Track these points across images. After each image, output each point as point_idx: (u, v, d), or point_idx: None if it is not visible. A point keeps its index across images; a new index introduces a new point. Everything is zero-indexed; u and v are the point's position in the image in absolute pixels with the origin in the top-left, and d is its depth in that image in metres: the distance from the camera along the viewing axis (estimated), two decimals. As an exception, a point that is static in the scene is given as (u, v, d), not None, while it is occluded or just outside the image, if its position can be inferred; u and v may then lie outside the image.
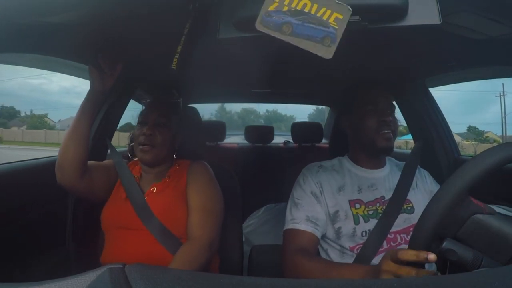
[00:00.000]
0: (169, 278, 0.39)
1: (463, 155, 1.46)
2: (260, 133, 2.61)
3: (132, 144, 1.11)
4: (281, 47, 0.54)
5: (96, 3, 0.65)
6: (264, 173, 2.33)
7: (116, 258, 0.94)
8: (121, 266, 0.40)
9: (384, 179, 0.98)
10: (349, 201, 0.93)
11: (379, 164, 1.00)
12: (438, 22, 0.55)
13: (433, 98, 1.47)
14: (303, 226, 0.91)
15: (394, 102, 1.02)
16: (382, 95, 0.97)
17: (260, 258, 1.09)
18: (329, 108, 2.96)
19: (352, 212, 0.91)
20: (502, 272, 0.42)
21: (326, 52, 0.53)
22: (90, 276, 0.38)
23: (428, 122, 1.44)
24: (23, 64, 1.12)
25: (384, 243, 0.89)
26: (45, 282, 0.38)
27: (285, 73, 1.47)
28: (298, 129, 2.52)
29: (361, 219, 0.91)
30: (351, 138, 1.03)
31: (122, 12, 0.69)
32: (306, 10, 0.53)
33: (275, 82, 1.70)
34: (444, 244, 0.55)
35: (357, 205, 0.93)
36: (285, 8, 0.53)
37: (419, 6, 0.56)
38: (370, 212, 0.92)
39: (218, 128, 2.48)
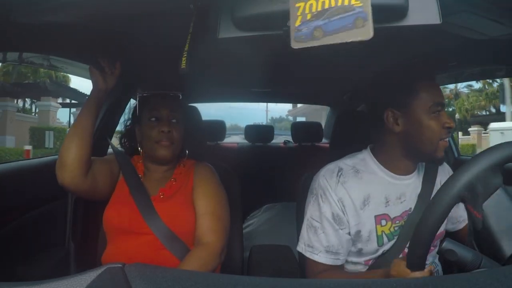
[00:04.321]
0: (169, 278, 0.39)
1: (462, 156, 1.46)
2: (260, 132, 2.60)
3: (126, 142, 1.10)
4: (281, 47, 0.53)
5: (96, 3, 0.65)
6: (264, 172, 2.32)
7: (118, 260, 0.92)
8: (120, 265, 0.40)
9: (412, 186, 0.87)
10: (375, 216, 0.83)
11: (412, 170, 0.87)
12: (438, 22, 0.55)
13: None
14: (322, 258, 0.82)
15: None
16: (439, 91, 0.81)
17: (260, 258, 1.09)
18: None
19: (377, 232, 0.83)
20: (502, 272, 0.42)
21: (364, 33, 0.51)
22: (89, 276, 0.38)
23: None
24: (23, 63, 1.12)
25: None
26: (45, 281, 0.38)
27: (285, 72, 1.47)
28: (298, 128, 2.51)
29: (385, 238, 0.83)
30: (393, 138, 0.84)
31: (122, 12, 0.69)
32: (326, 6, 0.52)
33: (275, 82, 1.70)
34: (444, 244, 0.55)
35: (383, 222, 0.83)
36: (309, 16, 0.53)
37: (419, 6, 0.55)
38: (396, 228, 0.84)
39: (218, 128, 2.48)
